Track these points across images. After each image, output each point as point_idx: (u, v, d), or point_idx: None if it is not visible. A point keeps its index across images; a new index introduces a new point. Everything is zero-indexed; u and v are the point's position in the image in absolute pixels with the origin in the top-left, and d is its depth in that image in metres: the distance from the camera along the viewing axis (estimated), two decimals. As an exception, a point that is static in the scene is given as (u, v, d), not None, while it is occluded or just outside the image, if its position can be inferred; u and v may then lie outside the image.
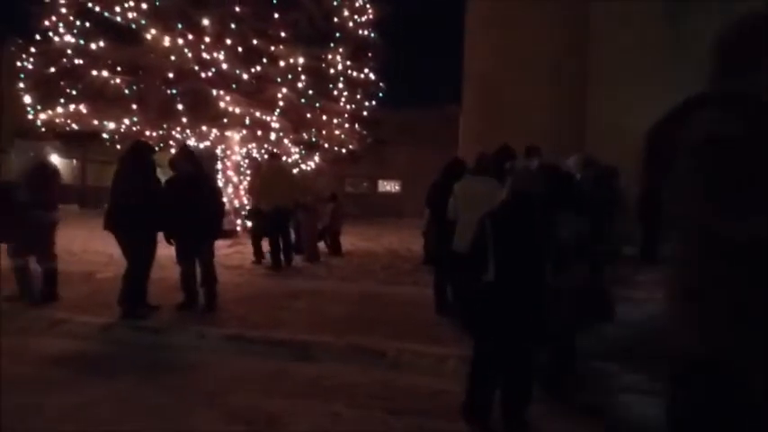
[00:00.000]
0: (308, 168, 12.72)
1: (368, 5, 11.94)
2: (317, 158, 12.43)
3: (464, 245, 4.22)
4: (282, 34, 10.08)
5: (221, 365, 3.90)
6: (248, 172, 12.72)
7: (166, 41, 9.21)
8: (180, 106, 9.61)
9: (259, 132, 10.75)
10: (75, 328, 4.62)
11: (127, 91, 9.64)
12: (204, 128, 10.55)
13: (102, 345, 4.34)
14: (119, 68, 9.64)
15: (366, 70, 12.15)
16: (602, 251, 3.93)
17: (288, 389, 3.52)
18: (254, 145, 12.19)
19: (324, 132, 11.56)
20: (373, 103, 13.02)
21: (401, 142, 19.87)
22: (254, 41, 9.89)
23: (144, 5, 9.51)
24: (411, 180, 23.20)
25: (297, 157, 12.35)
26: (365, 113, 12.76)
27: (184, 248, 5.11)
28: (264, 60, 10.19)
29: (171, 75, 9.48)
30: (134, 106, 9.77)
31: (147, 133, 10.24)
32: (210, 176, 8.62)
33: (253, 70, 10.14)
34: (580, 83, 13.24)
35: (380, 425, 3.04)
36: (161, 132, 10.39)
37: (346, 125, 12.00)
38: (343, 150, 12.33)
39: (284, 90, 10.37)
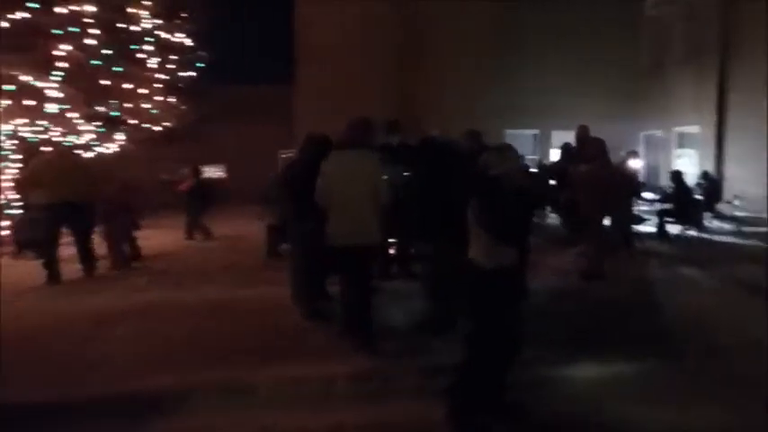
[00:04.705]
0: (108, 151, 10.24)
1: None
2: (120, 138, 10.03)
3: (352, 236, 3.51)
4: (60, -28, 7.63)
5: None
6: (12, 158, 9.66)
7: None
8: None
9: (32, 103, 8.09)
10: None
11: None
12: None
13: None
14: None
15: (182, 34, 10.21)
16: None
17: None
18: (23, 120, 9.22)
19: (129, 105, 9.32)
20: (192, 74, 11.10)
21: (225, 121, 17.80)
22: (14, -24, 7.26)
23: None
24: (237, 164, 21.28)
25: (92, 136, 9.77)
26: (181, 85, 10.78)
27: None
28: (32, 5, 7.59)
29: None
30: None
31: None
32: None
33: (13, 16, 7.47)
34: (411, 59, 13.59)
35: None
36: None
37: (158, 97, 9.91)
38: (156, 128, 10.20)
39: (67, 47, 7.93)
